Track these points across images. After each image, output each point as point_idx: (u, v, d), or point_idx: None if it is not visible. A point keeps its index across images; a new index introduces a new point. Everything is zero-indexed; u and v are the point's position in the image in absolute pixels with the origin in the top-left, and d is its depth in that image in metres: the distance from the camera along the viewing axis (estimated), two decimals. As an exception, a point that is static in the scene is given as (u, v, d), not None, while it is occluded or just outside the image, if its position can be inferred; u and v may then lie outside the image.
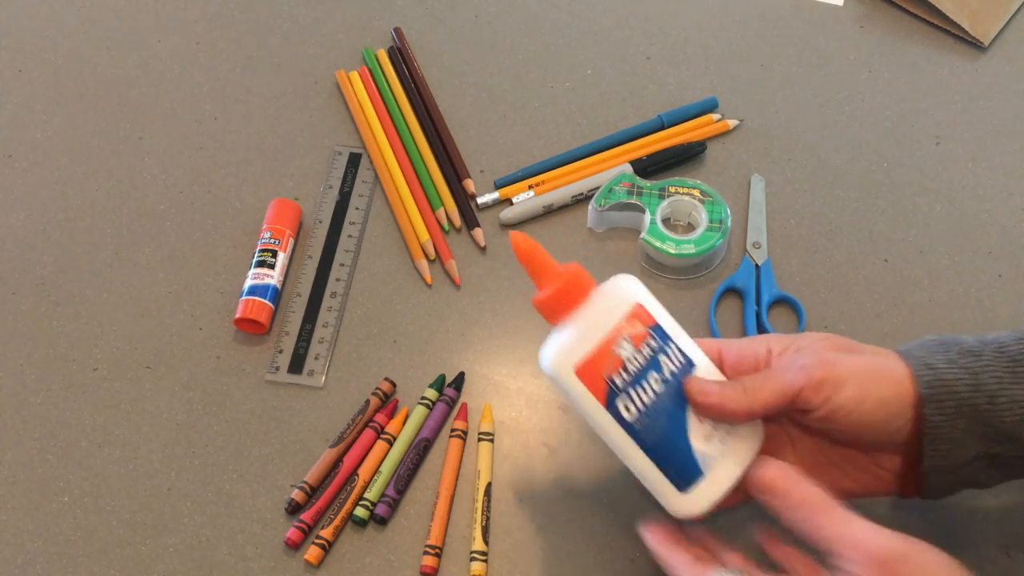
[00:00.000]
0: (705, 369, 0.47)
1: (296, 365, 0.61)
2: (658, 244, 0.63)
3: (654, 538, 0.46)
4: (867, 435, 0.46)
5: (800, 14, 0.79)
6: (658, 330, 0.46)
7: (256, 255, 0.63)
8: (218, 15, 0.79)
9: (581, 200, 0.67)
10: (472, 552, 0.54)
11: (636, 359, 0.45)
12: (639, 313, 0.46)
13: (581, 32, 0.77)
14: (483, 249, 0.66)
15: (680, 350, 0.46)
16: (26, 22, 0.78)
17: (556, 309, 0.46)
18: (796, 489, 0.42)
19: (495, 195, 0.68)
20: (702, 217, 0.64)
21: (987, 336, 0.47)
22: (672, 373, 0.45)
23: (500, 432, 0.58)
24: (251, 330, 0.62)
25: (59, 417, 0.59)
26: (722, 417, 0.45)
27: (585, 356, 0.45)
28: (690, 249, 0.63)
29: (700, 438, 0.45)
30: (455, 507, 0.56)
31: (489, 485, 0.56)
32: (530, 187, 0.68)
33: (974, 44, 0.76)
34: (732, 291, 0.64)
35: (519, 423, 0.59)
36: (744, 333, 0.61)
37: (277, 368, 0.61)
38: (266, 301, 0.62)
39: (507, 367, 0.61)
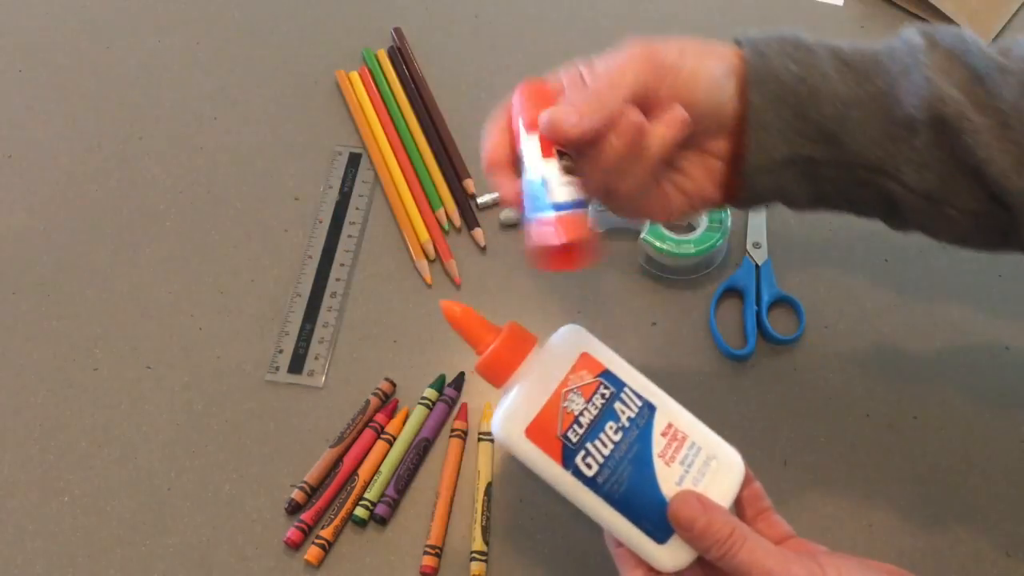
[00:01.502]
0: (668, 411, 0.44)
1: (296, 365, 0.61)
2: (658, 244, 0.63)
3: (614, 547, 0.45)
4: (703, 104, 0.44)
5: (800, 14, 0.79)
6: (609, 377, 0.44)
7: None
8: (218, 15, 0.79)
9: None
10: (472, 552, 0.54)
11: (589, 411, 0.43)
12: (586, 363, 0.44)
13: (581, 32, 0.77)
14: (483, 249, 0.66)
15: (636, 394, 0.44)
16: (26, 22, 0.78)
17: (498, 371, 0.44)
18: (710, 522, 0.41)
19: (495, 195, 0.68)
20: (702, 217, 0.64)
21: (830, 40, 0.46)
22: (630, 419, 0.43)
23: (500, 432, 0.58)
24: (563, 265, 0.45)
25: (59, 417, 0.59)
26: (579, 135, 0.42)
27: (534, 416, 0.43)
28: (690, 249, 0.63)
29: (671, 483, 0.42)
30: (455, 507, 0.56)
31: (489, 485, 0.56)
32: (530, 187, 0.68)
33: (974, 44, 0.76)
34: (732, 291, 0.64)
35: (519, 423, 0.59)
36: (744, 333, 0.61)
37: (277, 368, 0.61)
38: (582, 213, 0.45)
39: (507, 367, 0.61)
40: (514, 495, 0.56)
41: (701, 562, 0.43)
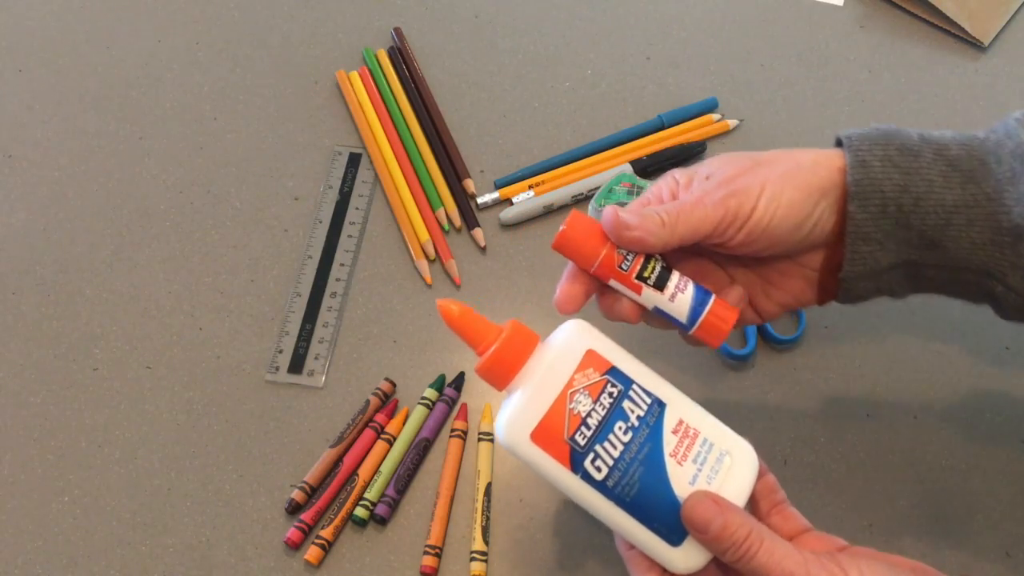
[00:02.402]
0: (678, 406, 0.43)
1: (296, 365, 0.61)
2: (658, 244, 0.63)
3: (624, 549, 0.44)
4: (786, 238, 0.45)
5: (800, 14, 0.79)
6: (616, 374, 0.42)
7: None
8: (218, 15, 0.79)
9: (581, 200, 0.67)
10: (472, 552, 0.54)
11: (596, 412, 0.41)
12: (592, 360, 0.42)
13: (581, 32, 0.77)
14: (483, 249, 0.66)
15: (644, 391, 0.42)
16: (26, 22, 0.78)
17: (500, 373, 0.42)
18: (726, 524, 0.40)
19: (495, 195, 0.68)
20: (702, 217, 0.64)
21: (932, 132, 0.46)
22: (640, 418, 0.42)
23: (500, 432, 0.58)
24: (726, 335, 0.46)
25: (59, 417, 0.59)
26: (641, 249, 0.44)
27: (539, 420, 0.41)
28: (690, 249, 0.63)
29: (684, 483, 0.41)
30: (455, 507, 0.56)
31: (489, 485, 0.56)
32: (530, 187, 0.68)
33: (974, 44, 0.76)
34: (732, 291, 0.63)
35: (519, 423, 0.59)
36: (744, 333, 0.61)
37: (277, 368, 0.61)
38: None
39: (507, 367, 0.61)
40: (514, 495, 0.56)
41: (717, 561, 0.42)
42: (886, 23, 0.78)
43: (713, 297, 0.45)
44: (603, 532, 0.55)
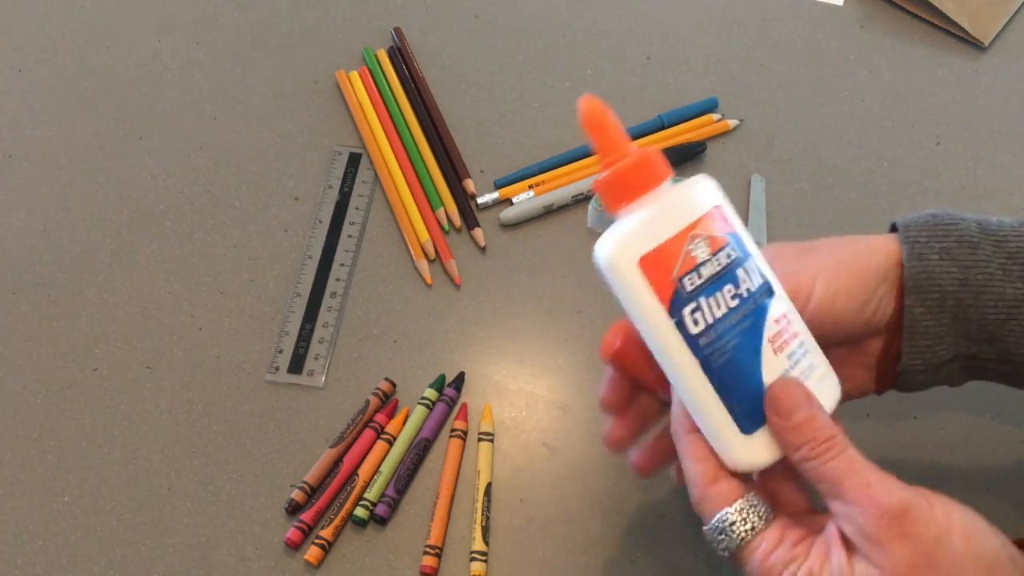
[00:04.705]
0: (785, 302, 0.40)
1: (296, 365, 0.61)
2: (658, 244, 0.63)
3: (683, 432, 0.40)
4: (850, 320, 0.43)
5: (800, 14, 0.79)
6: (737, 240, 0.39)
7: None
8: (218, 15, 0.79)
9: (581, 200, 0.67)
10: (472, 552, 0.54)
11: (711, 264, 0.38)
12: (719, 216, 0.39)
13: (581, 32, 0.77)
14: (483, 249, 0.66)
15: (759, 270, 0.39)
16: (26, 22, 0.78)
17: (623, 191, 0.38)
18: (811, 417, 0.37)
19: (495, 195, 0.68)
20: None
21: (991, 221, 0.44)
22: (749, 291, 0.39)
23: (500, 432, 0.58)
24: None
25: (59, 417, 0.59)
26: None
27: (654, 247, 0.37)
28: (690, 249, 0.63)
29: (774, 372, 0.38)
30: (455, 507, 0.56)
31: (489, 485, 0.56)
32: (530, 187, 0.68)
33: (974, 44, 0.76)
34: (732, 291, 0.63)
35: (519, 423, 0.59)
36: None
37: (277, 368, 0.61)
38: None
39: (507, 367, 0.61)
40: (514, 495, 0.56)
41: (768, 479, 0.40)
42: (886, 23, 0.78)
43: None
44: (603, 533, 0.55)
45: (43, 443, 0.58)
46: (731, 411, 0.38)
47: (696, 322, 0.37)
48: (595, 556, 0.54)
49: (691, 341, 0.37)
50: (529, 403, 0.60)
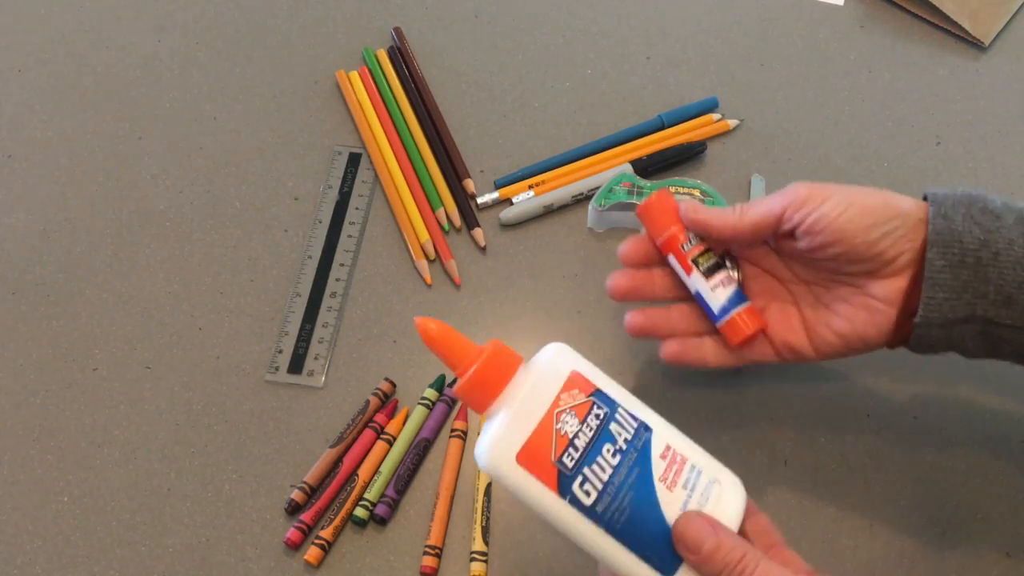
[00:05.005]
0: (664, 432, 0.42)
1: (296, 365, 0.61)
2: (658, 244, 0.63)
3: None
4: (855, 238, 0.45)
5: (800, 14, 0.79)
6: (601, 396, 0.41)
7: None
8: (218, 15, 0.79)
9: (581, 200, 0.67)
10: (472, 552, 0.54)
11: (584, 433, 0.40)
12: (577, 381, 0.41)
13: (581, 32, 0.77)
14: (483, 249, 0.66)
15: (630, 414, 0.41)
16: (26, 22, 0.78)
17: (482, 395, 0.40)
18: (719, 544, 0.39)
19: (495, 195, 0.68)
20: (702, 217, 0.64)
21: (1017, 202, 0.47)
22: (627, 441, 0.40)
23: (500, 432, 0.58)
24: (749, 342, 0.51)
25: (59, 417, 0.59)
26: (705, 233, 0.48)
27: (525, 440, 0.39)
28: (690, 249, 0.63)
29: (675, 509, 0.40)
30: (455, 507, 0.56)
31: (489, 485, 0.56)
32: (530, 187, 0.68)
33: (974, 44, 0.76)
34: (732, 291, 0.63)
35: (519, 423, 0.59)
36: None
37: (277, 368, 0.61)
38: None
39: (507, 367, 0.61)
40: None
41: None
42: (886, 23, 0.78)
43: (748, 303, 0.50)
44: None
45: (43, 443, 0.58)
46: (648, 561, 0.39)
47: (588, 493, 0.39)
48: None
49: (588, 512, 0.39)
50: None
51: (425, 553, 0.54)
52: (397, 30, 0.76)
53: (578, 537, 0.40)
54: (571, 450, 0.39)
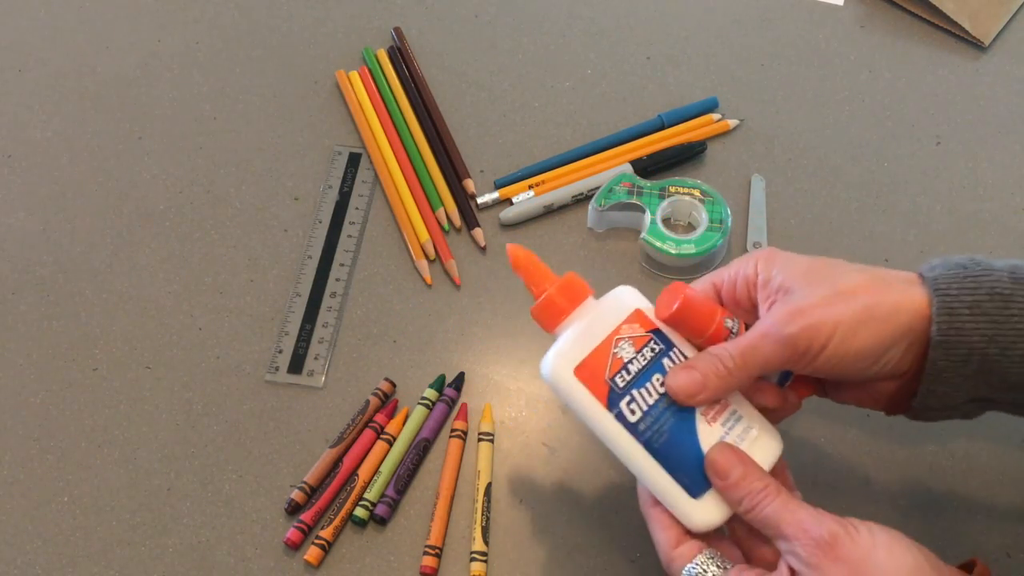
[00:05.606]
0: None
1: (296, 365, 0.61)
2: (658, 244, 0.63)
3: (648, 506, 0.45)
4: (853, 375, 0.45)
5: (800, 14, 0.79)
6: (659, 335, 0.45)
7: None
8: (218, 15, 0.79)
9: (581, 200, 0.67)
10: (472, 552, 0.54)
11: (638, 360, 0.44)
12: (639, 318, 0.45)
13: (581, 32, 0.77)
14: (483, 249, 0.66)
15: (684, 356, 0.45)
16: (26, 22, 0.78)
17: (553, 315, 0.45)
18: (746, 474, 0.42)
19: (495, 195, 0.68)
20: (702, 217, 0.64)
21: (1023, 268, 0.44)
22: None
23: (500, 432, 0.58)
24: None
25: (59, 417, 0.59)
26: (710, 400, 0.44)
27: (584, 357, 0.44)
28: (690, 249, 0.63)
29: (710, 440, 0.44)
30: (455, 507, 0.56)
31: (489, 485, 0.56)
32: (530, 187, 0.68)
33: (974, 44, 0.76)
34: (732, 291, 0.63)
35: (519, 423, 0.59)
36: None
37: (277, 368, 0.61)
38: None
39: (507, 367, 0.61)
40: (514, 495, 0.56)
41: (736, 537, 0.45)
42: (886, 23, 0.78)
43: (792, 376, 0.50)
44: (603, 533, 0.55)
45: (43, 443, 0.58)
46: (679, 481, 0.43)
47: (633, 412, 0.43)
48: (595, 556, 0.54)
49: (632, 429, 0.43)
50: (529, 403, 0.60)
51: (425, 553, 0.54)
52: (397, 30, 0.76)
53: (619, 451, 0.44)
54: (624, 372, 0.44)
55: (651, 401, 0.44)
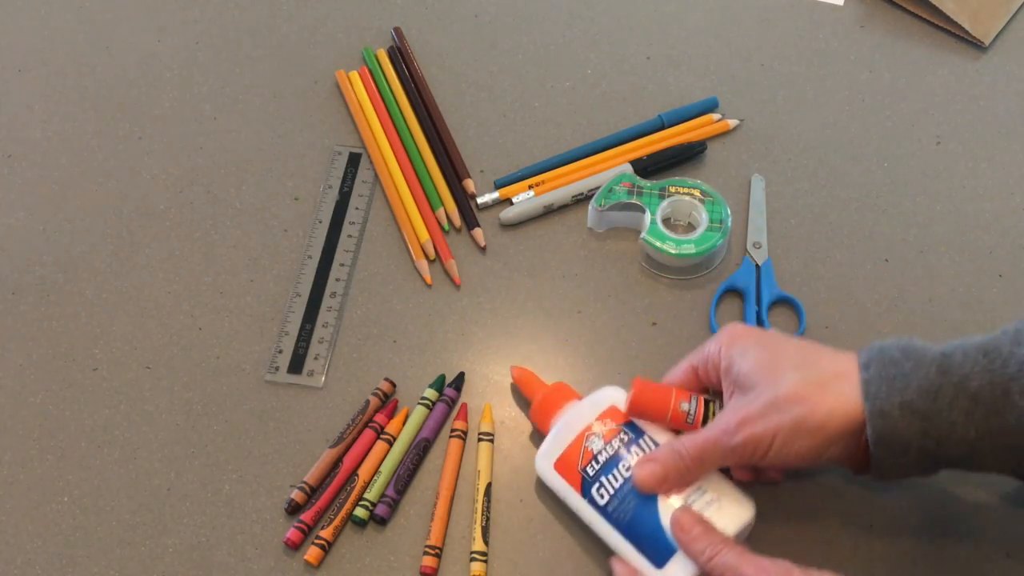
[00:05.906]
0: None
1: (296, 365, 0.61)
2: (658, 244, 0.63)
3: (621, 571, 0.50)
4: (805, 468, 0.51)
5: (800, 14, 0.79)
6: (630, 425, 0.52)
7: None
8: (218, 15, 0.79)
9: (581, 200, 0.67)
10: (472, 552, 0.54)
11: (606, 451, 0.51)
12: (612, 413, 0.53)
13: (581, 32, 0.77)
14: (483, 249, 0.66)
15: (654, 441, 0.52)
16: (26, 22, 0.78)
17: (542, 417, 0.55)
18: (708, 529, 0.47)
19: (495, 195, 0.68)
20: (702, 217, 0.64)
21: (953, 358, 0.46)
22: None
23: (500, 432, 0.58)
24: None
25: (59, 417, 0.59)
26: (671, 490, 0.50)
27: (562, 452, 0.52)
28: (690, 249, 0.63)
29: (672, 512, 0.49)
30: (455, 507, 0.56)
31: (489, 485, 0.56)
32: (530, 187, 0.68)
33: (974, 44, 0.76)
34: (732, 291, 0.64)
35: (519, 423, 0.59)
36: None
37: (277, 368, 0.61)
38: None
39: (507, 367, 0.61)
40: (514, 495, 0.56)
41: None
42: (886, 23, 0.78)
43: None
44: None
45: (43, 443, 0.58)
46: (644, 553, 0.49)
47: (602, 496, 0.51)
48: (595, 556, 0.54)
49: (601, 510, 0.51)
50: (529, 403, 0.59)
51: (425, 553, 0.54)
52: (397, 30, 0.76)
53: (593, 527, 0.52)
54: (593, 463, 0.51)
55: (617, 485, 0.50)
